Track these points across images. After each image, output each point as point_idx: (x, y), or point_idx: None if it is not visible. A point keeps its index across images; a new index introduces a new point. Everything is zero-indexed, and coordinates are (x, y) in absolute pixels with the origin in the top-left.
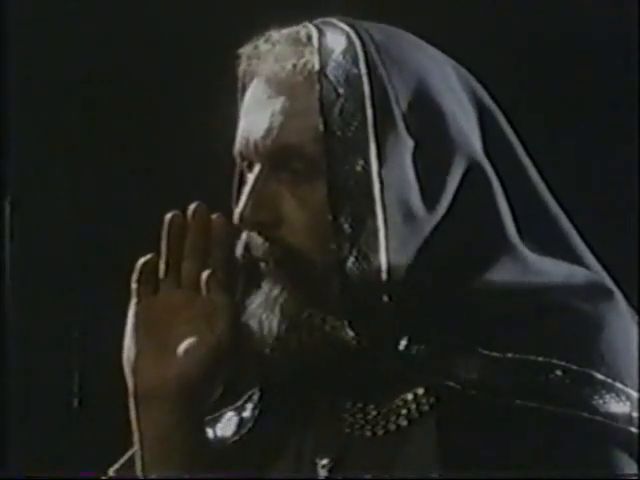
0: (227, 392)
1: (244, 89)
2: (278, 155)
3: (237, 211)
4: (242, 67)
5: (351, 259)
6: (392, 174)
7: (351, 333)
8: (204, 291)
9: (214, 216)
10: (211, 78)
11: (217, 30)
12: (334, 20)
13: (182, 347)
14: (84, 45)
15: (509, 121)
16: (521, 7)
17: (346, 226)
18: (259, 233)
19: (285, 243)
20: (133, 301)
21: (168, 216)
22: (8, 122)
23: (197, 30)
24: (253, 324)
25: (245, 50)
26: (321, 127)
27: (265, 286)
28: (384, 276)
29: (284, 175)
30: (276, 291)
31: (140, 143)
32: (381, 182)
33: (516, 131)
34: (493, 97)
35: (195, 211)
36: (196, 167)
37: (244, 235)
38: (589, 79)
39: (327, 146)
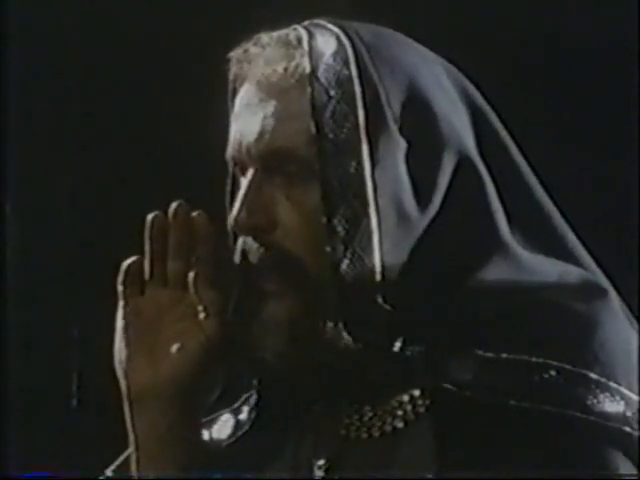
0: (223, 394)
1: (235, 93)
2: (271, 159)
3: (232, 216)
4: (232, 71)
5: (345, 261)
6: (385, 175)
7: (347, 335)
8: (191, 289)
9: (195, 214)
10: (203, 82)
11: (208, 33)
12: (323, 22)
13: (173, 346)
14: (83, 47)
15: (502, 119)
16: (521, 7)
17: (340, 228)
18: (254, 238)
19: (280, 247)
20: (120, 303)
21: (150, 217)
22: (8, 122)
23: (188, 33)
24: (254, 335)
25: (235, 54)
26: (313, 130)
27: (263, 297)
28: (378, 277)
29: (278, 179)
30: (274, 302)
31: (140, 144)
32: (374, 183)
33: (509, 129)
34: (484, 95)
35: (176, 210)
36: (194, 168)
37: (240, 241)
38: (589, 79)
39: (320, 149)
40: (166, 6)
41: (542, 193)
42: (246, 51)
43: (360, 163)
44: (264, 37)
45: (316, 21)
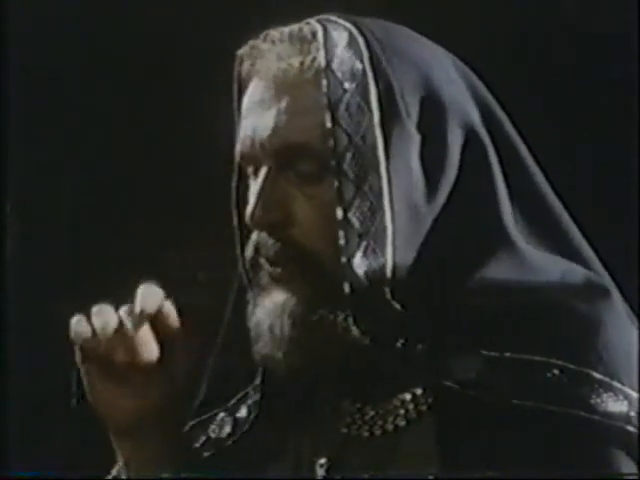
0: (216, 398)
1: (241, 90)
2: (286, 154)
3: (247, 212)
4: (241, 68)
5: (359, 254)
6: (399, 168)
7: (356, 329)
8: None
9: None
10: (209, 79)
11: (213, 31)
12: (334, 17)
13: (141, 378)
14: (84, 46)
15: (508, 115)
16: (521, 7)
17: (355, 221)
18: (269, 234)
19: (296, 242)
20: (78, 357)
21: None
22: (8, 122)
23: (193, 32)
24: (263, 328)
25: (243, 51)
26: (328, 123)
27: (274, 289)
28: (389, 273)
29: (292, 174)
30: (286, 293)
31: (140, 143)
32: (389, 176)
33: (515, 125)
34: (491, 91)
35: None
36: (195, 167)
37: (254, 236)
38: (589, 78)
39: (335, 142)
40: (169, 5)
41: (548, 188)
42: (255, 47)
43: (375, 156)
44: (274, 33)
45: (326, 16)
